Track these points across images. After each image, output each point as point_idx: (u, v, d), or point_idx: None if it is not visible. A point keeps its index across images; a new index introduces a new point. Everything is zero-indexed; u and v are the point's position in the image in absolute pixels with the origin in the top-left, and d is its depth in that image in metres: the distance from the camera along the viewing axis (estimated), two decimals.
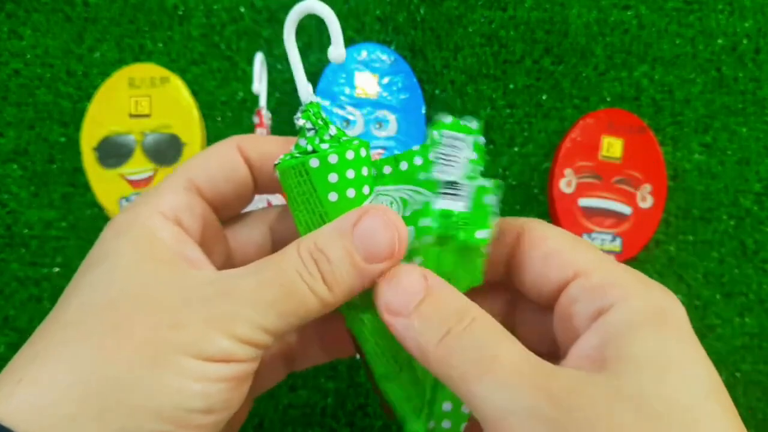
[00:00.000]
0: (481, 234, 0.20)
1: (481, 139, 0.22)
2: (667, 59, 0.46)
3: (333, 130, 0.21)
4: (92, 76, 0.46)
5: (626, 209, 0.43)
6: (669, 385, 0.16)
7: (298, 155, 0.21)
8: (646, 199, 0.43)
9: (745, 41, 0.47)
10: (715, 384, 0.17)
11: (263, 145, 0.23)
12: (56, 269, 0.43)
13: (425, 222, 0.20)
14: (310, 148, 0.21)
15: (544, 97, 0.46)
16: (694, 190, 0.45)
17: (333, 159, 0.20)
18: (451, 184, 0.21)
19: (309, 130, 0.21)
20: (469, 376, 0.18)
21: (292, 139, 0.23)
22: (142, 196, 0.22)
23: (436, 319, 0.19)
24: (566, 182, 0.43)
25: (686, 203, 0.45)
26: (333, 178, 0.20)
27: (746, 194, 0.45)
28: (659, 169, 0.44)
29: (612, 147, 0.44)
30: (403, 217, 0.21)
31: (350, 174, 0.21)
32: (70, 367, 0.17)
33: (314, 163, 0.20)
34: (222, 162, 0.23)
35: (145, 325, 0.18)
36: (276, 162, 0.21)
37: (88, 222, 0.44)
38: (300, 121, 0.22)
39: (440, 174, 0.21)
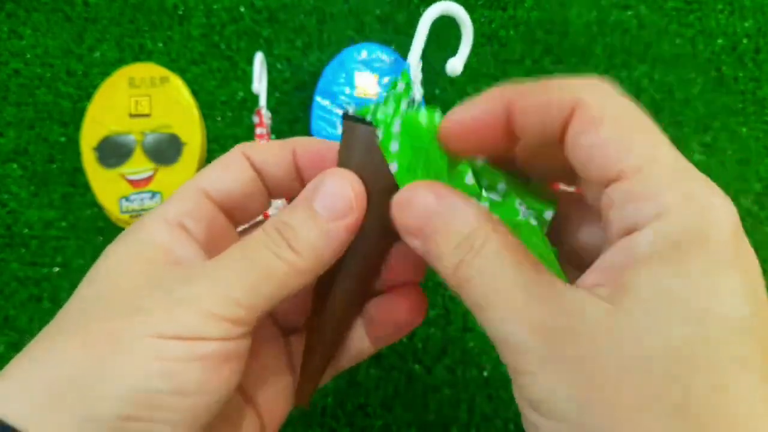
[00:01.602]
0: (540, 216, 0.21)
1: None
2: (667, 59, 0.46)
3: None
4: (92, 75, 0.46)
5: None
6: (671, 337, 0.15)
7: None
8: None
9: (745, 41, 0.47)
10: (743, 325, 0.15)
11: (266, 151, 0.24)
12: (56, 269, 0.43)
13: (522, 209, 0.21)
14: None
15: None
16: None
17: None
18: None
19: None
20: (478, 308, 0.18)
21: (290, 142, 0.24)
22: (155, 207, 0.23)
23: (449, 246, 0.18)
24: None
25: None
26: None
27: (746, 194, 0.45)
28: None
29: None
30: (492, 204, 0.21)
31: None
32: (40, 365, 0.18)
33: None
34: (229, 167, 0.23)
35: (108, 316, 0.18)
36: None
37: (88, 222, 0.44)
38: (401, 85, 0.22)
39: None
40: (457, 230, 0.18)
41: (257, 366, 0.24)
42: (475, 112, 0.20)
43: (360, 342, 0.25)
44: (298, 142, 0.23)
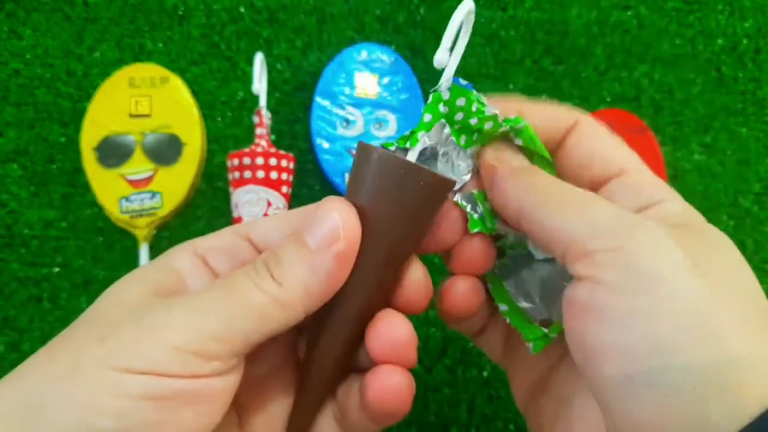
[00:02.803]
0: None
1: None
2: (667, 59, 0.46)
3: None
4: (92, 76, 0.46)
5: None
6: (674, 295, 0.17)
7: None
8: None
9: (745, 41, 0.47)
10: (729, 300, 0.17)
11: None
12: (56, 269, 0.43)
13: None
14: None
15: (544, 97, 0.46)
16: (694, 190, 0.45)
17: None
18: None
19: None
20: (538, 203, 0.20)
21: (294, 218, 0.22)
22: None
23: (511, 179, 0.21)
24: None
25: None
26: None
27: (746, 194, 0.45)
28: (659, 169, 0.44)
29: None
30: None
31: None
32: (3, 388, 0.17)
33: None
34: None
35: (80, 341, 0.17)
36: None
37: (88, 222, 0.44)
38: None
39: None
40: (514, 165, 0.22)
41: (261, 401, 0.23)
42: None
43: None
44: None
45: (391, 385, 0.20)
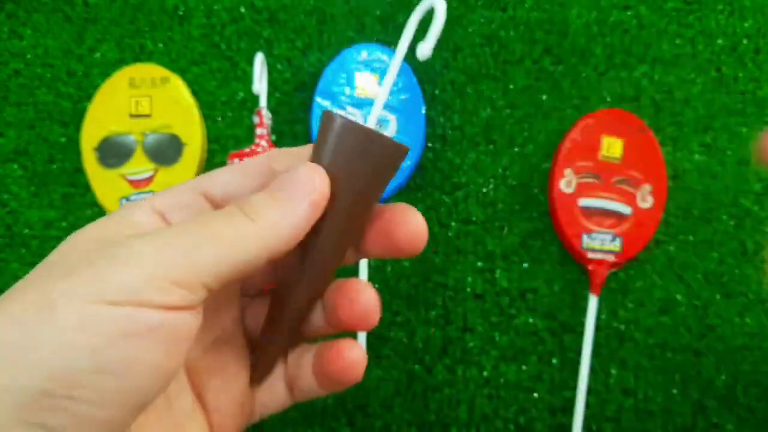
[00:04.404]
0: None
1: None
2: (667, 59, 0.46)
3: None
4: (92, 76, 0.46)
5: (626, 209, 0.43)
6: None
7: None
8: (646, 199, 0.43)
9: (745, 41, 0.47)
10: None
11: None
12: None
13: None
14: None
15: (544, 97, 0.46)
16: (694, 190, 0.45)
17: None
18: None
19: None
20: None
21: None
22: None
23: None
24: (566, 182, 0.43)
25: (686, 203, 0.45)
26: None
27: (746, 194, 0.45)
28: (659, 169, 0.44)
29: (612, 147, 0.44)
30: None
31: None
32: None
33: None
34: (237, 171, 0.22)
35: (50, 278, 0.16)
36: None
37: (89, 222, 0.44)
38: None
39: None
40: None
41: (215, 367, 0.23)
42: None
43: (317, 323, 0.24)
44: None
45: (351, 358, 0.23)
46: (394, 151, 0.21)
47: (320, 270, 0.22)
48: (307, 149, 0.23)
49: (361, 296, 0.22)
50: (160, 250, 0.17)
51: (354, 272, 0.42)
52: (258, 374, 0.24)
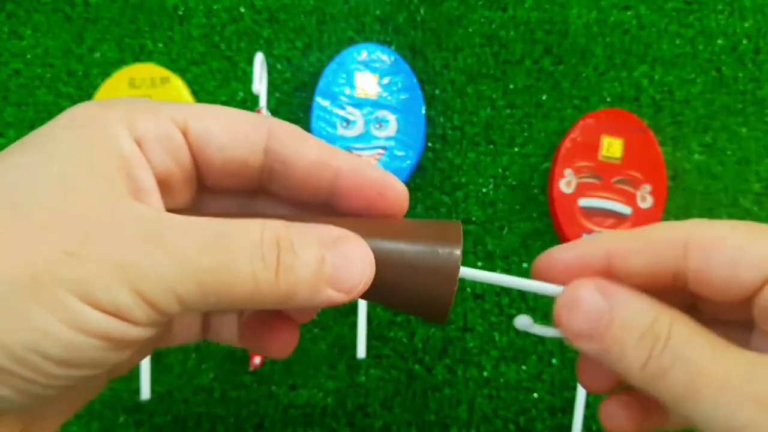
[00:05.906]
0: None
1: None
2: (667, 59, 0.46)
3: None
4: (92, 76, 0.46)
5: (626, 209, 0.43)
6: None
7: None
8: (646, 199, 0.43)
9: (745, 41, 0.47)
10: None
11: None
12: None
13: None
14: None
15: (544, 97, 0.46)
16: (694, 190, 0.45)
17: None
18: None
19: None
20: (681, 398, 0.17)
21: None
22: (129, 101, 0.19)
23: (631, 344, 0.17)
24: (566, 182, 0.43)
25: (686, 203, 0.45)
26: None
27: (746, 194, 0.45)
28: (659, 169, 0.44)
29: (612, 147, 0.44)
30: None
31: None
32: None
33: None
34: (227, 128, 0.20)
35: (39, 242, 0.15)
36: None
37: None
38: None
39: None
40: (636, 323, 0.17)
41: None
42: (573, 253, 0.20)
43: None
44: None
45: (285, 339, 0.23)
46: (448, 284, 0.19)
47: None
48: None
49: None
50: (167, 275, 0.16)
51: None
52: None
